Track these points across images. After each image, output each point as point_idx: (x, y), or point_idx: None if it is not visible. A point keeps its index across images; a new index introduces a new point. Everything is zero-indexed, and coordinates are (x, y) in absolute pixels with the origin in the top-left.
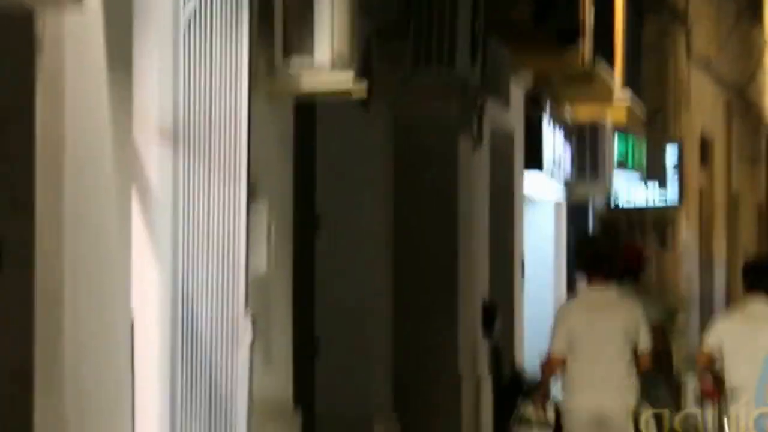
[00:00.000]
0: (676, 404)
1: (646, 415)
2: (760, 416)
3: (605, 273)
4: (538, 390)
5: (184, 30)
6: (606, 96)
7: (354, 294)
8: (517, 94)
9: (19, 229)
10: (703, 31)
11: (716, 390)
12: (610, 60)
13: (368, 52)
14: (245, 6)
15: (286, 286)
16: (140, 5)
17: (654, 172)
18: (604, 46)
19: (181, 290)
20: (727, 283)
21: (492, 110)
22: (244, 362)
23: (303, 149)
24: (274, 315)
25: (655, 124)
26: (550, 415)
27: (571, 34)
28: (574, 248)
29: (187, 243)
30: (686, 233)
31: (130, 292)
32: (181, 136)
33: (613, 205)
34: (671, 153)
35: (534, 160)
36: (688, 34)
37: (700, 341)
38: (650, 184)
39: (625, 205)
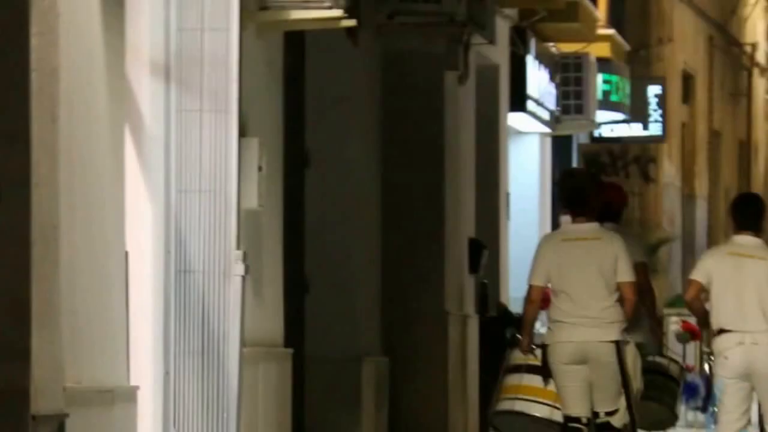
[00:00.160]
0: (659, 339)
1: (630, 347)
2: (746, 348)
3: (587, 207)
4: (523, 330)
5: None
6: (590, 32)
7: (342, 231)
8: (503, 29)
9: (16, 163)
10: None
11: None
12: None
13: None
14: None
15: (277, 223)
16: None
17: (637, 107)
18: None
19: (173, 225)
20: (709, 218)
21: (478, 45)
22: (236, 296)
23: (292, 84)
24: (264, 251)
25: (638, 61)
26: (538, 354)
27: None
28: (558, 183)
29: (179, 177)
30: (668, 168)
31: (124, 227)
32: (172, 71)
33: (596, 140)
34: (654, 89)
35: (519, 95)
36: None
37: (683, 275)
38: (633, 119)
39: (609, 140)
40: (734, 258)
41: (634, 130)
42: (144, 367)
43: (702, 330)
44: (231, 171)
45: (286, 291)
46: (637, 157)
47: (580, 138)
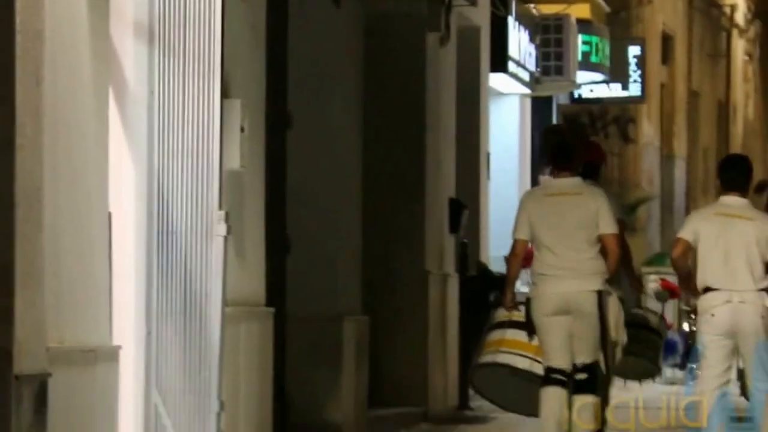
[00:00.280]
0: (637, 297)
1: (613, 299)
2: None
3: (571, 162)
4: (507, 284)
5: None
6: None
7: (324, 192)
8: None
9: (0, 125)
10: None
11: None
12: None
13: None
14: None
15: (259, 183)
16: None
17: (617, 68)
18: None
19: (156, 185)
20: (687, 178)
21: (459, 7)
22: (218, 256)
23: (275, 46)
24: (246, 211)
25: (618, 22)
26: (521, 310)
27: None
28: (538, 142)
29: (162, 138)
30: (647, 128)
31: (107, 188)
32: (156, 33)
33: (576, 101)
34: (633, 50)
35: (499, 56)
36: None
37: (661, 235)
38: (613, 80)
39: (588, 101)
40: (722, 218)
41: (614, 90)
42: (126, 327)
43: (682, 289)
44: (214, 132)
45: (268, 251)
46: (617, 117)
47: (560, 99)
